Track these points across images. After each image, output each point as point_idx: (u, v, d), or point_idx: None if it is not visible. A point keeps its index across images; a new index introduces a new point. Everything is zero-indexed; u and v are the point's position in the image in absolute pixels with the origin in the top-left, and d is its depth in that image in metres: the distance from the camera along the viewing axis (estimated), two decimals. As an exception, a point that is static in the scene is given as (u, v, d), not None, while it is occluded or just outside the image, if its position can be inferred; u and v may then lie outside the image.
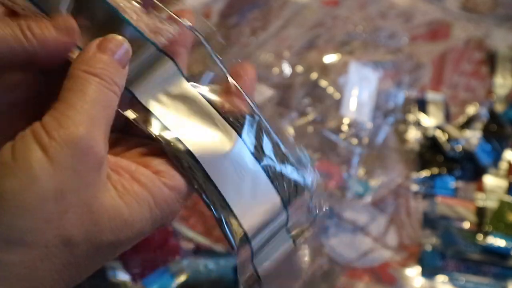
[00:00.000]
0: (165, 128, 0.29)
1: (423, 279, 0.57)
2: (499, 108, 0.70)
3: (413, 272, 0.58)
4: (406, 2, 0.81)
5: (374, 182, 0.63)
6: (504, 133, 0.67)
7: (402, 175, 0.64)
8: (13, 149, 0.25)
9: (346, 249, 0.58)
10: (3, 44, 0.27)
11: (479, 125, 0.67)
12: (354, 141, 0.66)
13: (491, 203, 0.61)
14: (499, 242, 0.58)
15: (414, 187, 0.64)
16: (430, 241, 0.59)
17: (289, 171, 0.31)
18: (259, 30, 0.76)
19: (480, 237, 0.59)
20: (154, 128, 0.29)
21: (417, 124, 0.68)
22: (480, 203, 0.62)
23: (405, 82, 0.72)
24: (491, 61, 0.75)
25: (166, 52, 0.30)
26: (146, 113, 0.29)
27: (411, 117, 0.69)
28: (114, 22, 0.29)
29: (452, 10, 0.81)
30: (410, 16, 0.80)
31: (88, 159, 0.25)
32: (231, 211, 0.28)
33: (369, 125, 0.67)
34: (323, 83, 0.70)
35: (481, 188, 0.63)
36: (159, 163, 0.29)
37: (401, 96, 0.71)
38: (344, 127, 0.66)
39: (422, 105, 0.70)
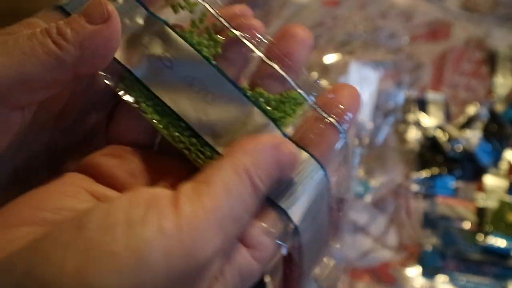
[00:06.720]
0: None
1: (423, 279, 0.57)
2: (500, 108, 0.69)
3: (414, 272, 0.58)
4: (406, 2, 0.81)
5: (374, 182, 0.63)
6: (504, 133, 0.67)
7: (402, 175, 0.64)
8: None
9: (347, 249, 0.58)
10: (35, 63, 0.21)
11: (479, 125, 0.67)
12: (355, 141, 0.66)
13: (491, 203, 0.61)
14: (500, 242, 0.58)
15: (414, 187, 0.63)
16: (431, 241, 0.59)
17: None
18: (259, 30, 0.76)
19: (480, 237, 0.59)
20: None
21: (417, 124, 0.68)
22: (480, 203, 0.62)
23: (405, 82, 0.72)
24: (491, 61, 0.75)
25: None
26: None
27: (411, 117, 0.69)
28: None
29: (453, 9, 0.81)
30: (410, 16, 0.80)
31: None
32: None
33: (369, 125, 0.67)
34: (323, 83, 0.70)
35: (481, 188, 0.63)
36: None
37: (401, 96, 0.71)
38: (344, 127, 0.66)
39: (422, 105, 0.70)
